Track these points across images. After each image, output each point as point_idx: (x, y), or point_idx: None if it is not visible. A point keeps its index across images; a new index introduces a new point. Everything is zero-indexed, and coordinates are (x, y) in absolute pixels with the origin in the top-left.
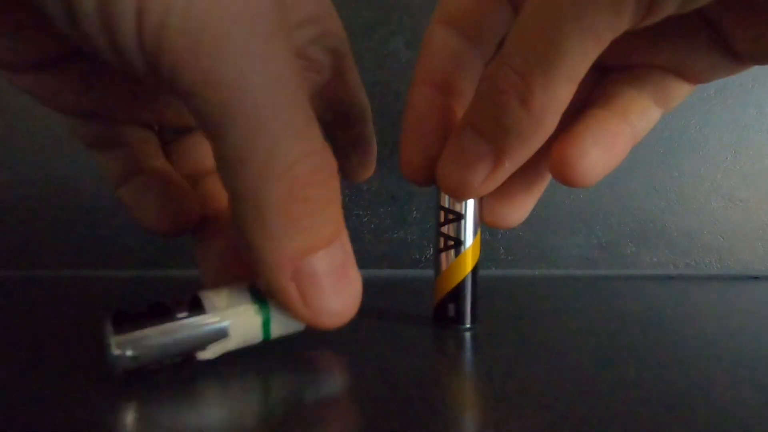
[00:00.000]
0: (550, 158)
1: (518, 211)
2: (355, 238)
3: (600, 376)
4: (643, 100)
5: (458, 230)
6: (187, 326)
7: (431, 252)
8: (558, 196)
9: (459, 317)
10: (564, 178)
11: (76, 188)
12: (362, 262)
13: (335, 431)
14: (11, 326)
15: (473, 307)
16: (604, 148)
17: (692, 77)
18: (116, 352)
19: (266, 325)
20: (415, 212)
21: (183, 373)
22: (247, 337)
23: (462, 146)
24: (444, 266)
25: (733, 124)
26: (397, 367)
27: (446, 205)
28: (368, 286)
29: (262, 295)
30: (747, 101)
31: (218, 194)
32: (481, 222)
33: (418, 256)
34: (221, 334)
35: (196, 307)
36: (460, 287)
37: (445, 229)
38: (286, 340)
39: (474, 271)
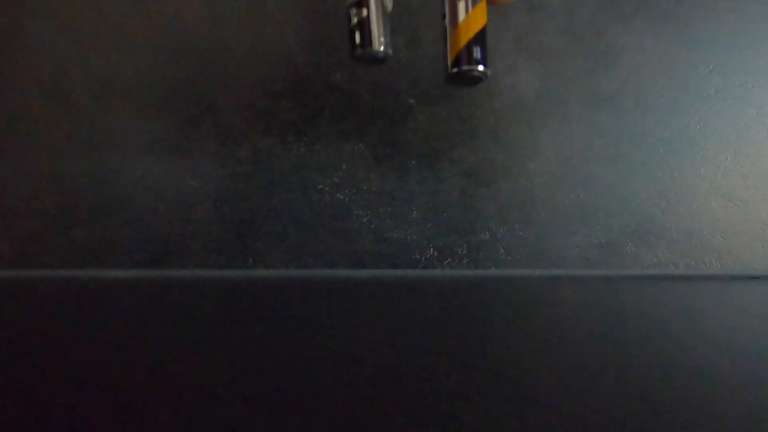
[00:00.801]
0: None
1: None
2: (355, 238)
3: (600, 375)
4: None
5: None
6: None
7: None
8: (558, 197)
9: (484, 58)
10: None
11: (76, 188)
12: (362, 262)
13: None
14: (11, 326)
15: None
16: None
17: None
18: None
19: None
20: (415, 212)
21: None
22: None
23: None
24: (465, 14)
25: (733, 124)
26: (396, 364)
27: None
28: (368, 286)
29: None
30: (747, 101)
31: None
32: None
33: (418, 256)
34: None
35: None
36: (483, 31)
37: None
38: None
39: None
